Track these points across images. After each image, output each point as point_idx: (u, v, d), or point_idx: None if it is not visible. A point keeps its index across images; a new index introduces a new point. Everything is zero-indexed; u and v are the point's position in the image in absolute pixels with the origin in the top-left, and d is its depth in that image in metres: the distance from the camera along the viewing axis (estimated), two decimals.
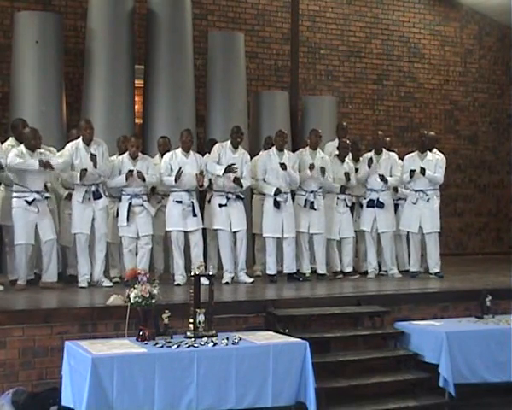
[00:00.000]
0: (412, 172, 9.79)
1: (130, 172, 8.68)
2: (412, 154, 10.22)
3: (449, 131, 15.62)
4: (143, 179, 8.76)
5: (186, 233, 8.96)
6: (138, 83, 11.69)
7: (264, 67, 13.85)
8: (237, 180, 9.09)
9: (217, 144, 9.41)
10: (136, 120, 11.70)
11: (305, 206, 9.56)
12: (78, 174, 8.47)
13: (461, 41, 15.87)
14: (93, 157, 8.54)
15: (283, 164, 9.28)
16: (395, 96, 15.15)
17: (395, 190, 10.34)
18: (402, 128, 15.08)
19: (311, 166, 9.50)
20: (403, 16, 15.27)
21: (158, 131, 11.07)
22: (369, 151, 10.38)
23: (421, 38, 15.43)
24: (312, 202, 9.57)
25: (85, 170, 8.48)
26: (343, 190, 9.89)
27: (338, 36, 14.60)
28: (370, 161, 9.97)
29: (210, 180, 9.12)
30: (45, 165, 8.21)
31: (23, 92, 10.74)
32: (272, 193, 9.29)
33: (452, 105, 15.76)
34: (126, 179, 8.70)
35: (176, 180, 8.78)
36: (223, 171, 9.02)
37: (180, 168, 8.81)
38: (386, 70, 15.05)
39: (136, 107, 11.62)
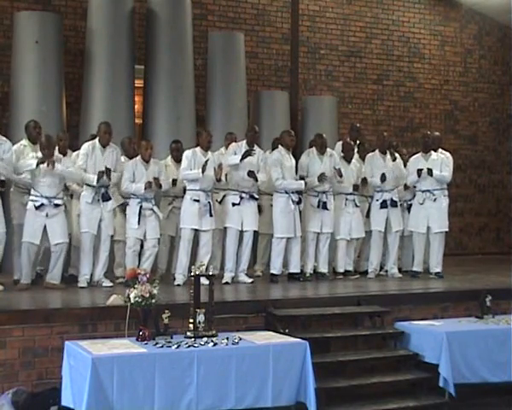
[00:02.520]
0: (419, 170, 9.81)
1: (149, 183, 8.67)
2: (417, 155, 10.23)
3: (449, 131, 15.60)
4: (160, 187, 8.80)
5: (197, 232, 8.94)
6: (138, 83, 11.69)
7: (264, 67, 13.85)
8: (252, 173, 9.04)
9: (233, 143, 9.42)
10: (136, 120, 11.71)
11: (318, 206, 9.57)
12: (96, 177, 8.51)
13: (461, 41, 15.86)
14: (107, 171, 8.55)
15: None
16: (395, 96, 15.15)
17: (405, 187, 10.32)
18: (402, 128, 15.07)
19: (322, 177, 9.45)
20: (403, 16, 15.26)
21: (158, 131, 11.10)
22: (373, 151, 10.35)
23: (421, 38, 15.42)
24: (325, 203, 9.60)
25: (102, 172, 8.52)
26: (355, 188, 9.92)
27: (338, 36, 14.59)
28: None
29: (226, 175, 9.08)
30: (49, 163, 8.23)
31: (23, 92, 10.75)
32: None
33: (452, 105, 15.75)
34: (145, 189, 8.69)
35: (203, 171, 8.70)
36: (240, 158, 9.00)
37: (207, 160, 8.77)
38: (386, 70, 15.04)
39: (136, 107, 11.63)
